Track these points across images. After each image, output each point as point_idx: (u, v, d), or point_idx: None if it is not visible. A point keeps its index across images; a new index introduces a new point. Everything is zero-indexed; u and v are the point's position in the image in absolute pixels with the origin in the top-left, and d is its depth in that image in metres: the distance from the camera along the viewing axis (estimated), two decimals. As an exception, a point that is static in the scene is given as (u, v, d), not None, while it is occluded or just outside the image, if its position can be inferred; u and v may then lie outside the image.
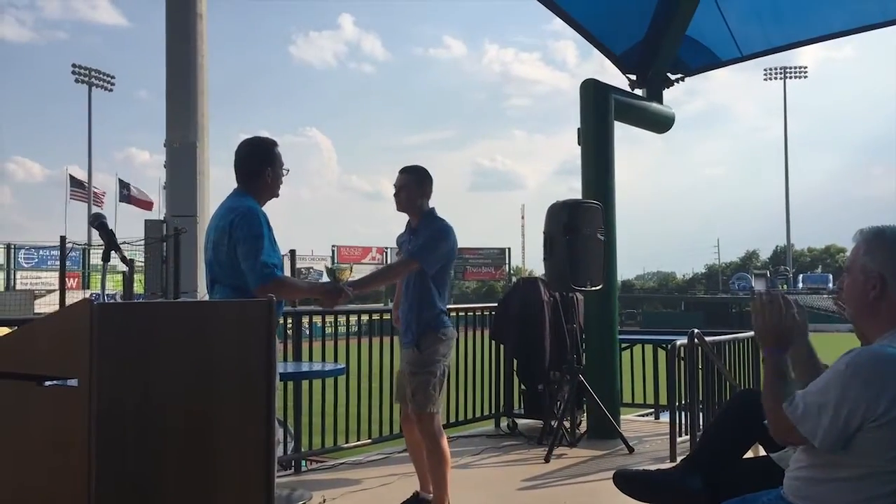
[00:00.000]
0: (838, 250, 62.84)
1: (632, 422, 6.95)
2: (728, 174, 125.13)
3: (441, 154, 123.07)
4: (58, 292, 18.96)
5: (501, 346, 6.61)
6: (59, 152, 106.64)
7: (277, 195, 3.52)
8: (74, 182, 46.19)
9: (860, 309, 2.05)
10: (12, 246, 32.29)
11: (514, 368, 6.57)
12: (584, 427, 6.09)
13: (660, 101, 6.92)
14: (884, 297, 1.99)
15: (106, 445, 1.92)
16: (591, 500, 4.46)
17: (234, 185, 3.47)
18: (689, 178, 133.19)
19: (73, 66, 48.86)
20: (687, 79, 7.10)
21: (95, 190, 44.59)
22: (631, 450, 5.55)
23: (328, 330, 5.77)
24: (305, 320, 5.60)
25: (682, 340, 5.52)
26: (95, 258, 27.40)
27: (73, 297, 18.25)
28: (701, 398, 5.45)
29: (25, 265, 33.10)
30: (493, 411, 6.61)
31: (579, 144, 6.36)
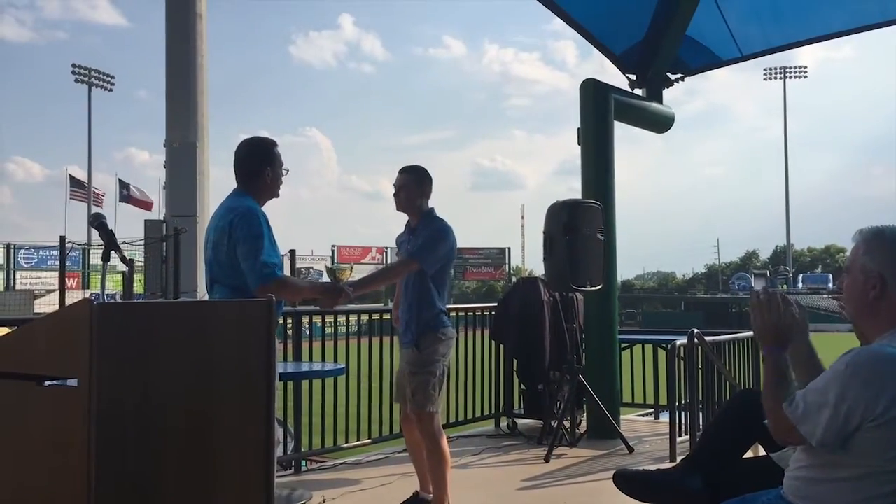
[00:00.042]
0: (838, 250, 62.82)
1: (632, 422, 6.95)
2: (728, 174, 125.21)
3: (441, 154, 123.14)
4: (57, 292, 18.96)
5: (501, 346, 6.62)
6: (58, 152, 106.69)
7: (278, 195, 3.52)
8: (74, 182, 46.21)
9: (860, 309, 2.05)
10: (12, 246, 32.29)
11: (514, 368, 6.58)
12: (583, 427, 6.09)
13: (660, 100, 6.92)
14: (883, 296, 1.99)
15: (106, 445, 1.92)
16: (591, 500, 4.46)
17: (234, 185, 3.47)
18: (689, 177, 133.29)
19: (73, 66, 48.88)
20: (687, 79, 7.10)
21: (95, 190, 44.62)
22: (631, 450, 5.55)
23: (328, 330, 5.77)
24: (305, 320, 5.60)
25: (681, 340, 5.52)
26: (95, 258, 27.41)
27: (72, 297, 18.25)
28: (701, 398, 5.46)
29: (25, 265, 33.10)
30: (492, 411, 6.61)
31: (579, 144, 6.36)
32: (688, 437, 5.40)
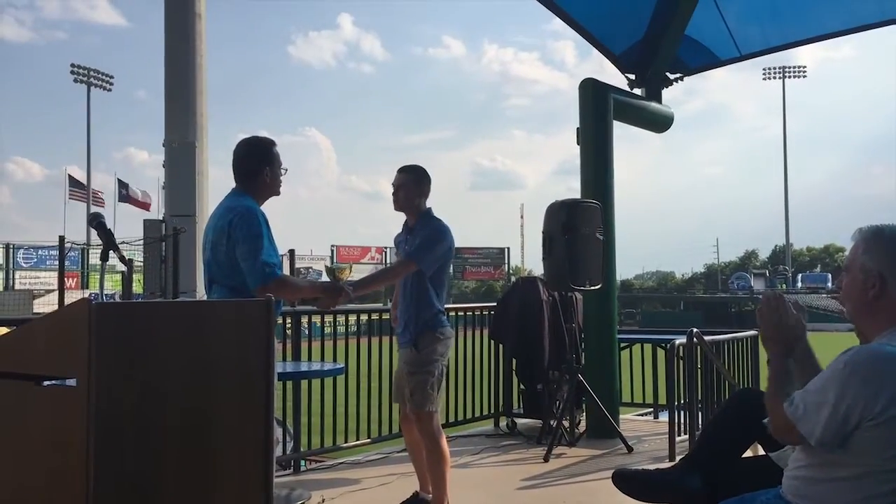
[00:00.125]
0: (837, 249, 62.83)
1: (631, 421, 6.95)
2: (727, 174, 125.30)
3: (440, 154, 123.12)
4: (57, 292, 18.94)
5: (500, 346, 6.62)
6: (58, 152, 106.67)
7: (278, 193, 3.52)
8: (73, 182, 46.23)
9: (859, 308, 2.05)
10: (11, 246, 32.29)
11: (514, 368, 6.58)
12: (583, 426, 6.09)
13: (659, 100, 6.92)
14: (883, 295, 1.99)
15: (105, 445, 1.92)
16: (590, 500, 4.46)
17: (233, 184, 3.47)
18: (688, 177, 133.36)
19: (72, 65, 48.94)
20: (686, 78, 7.10)
21: (95, 190, 44.62)
22: (630, 449, 5.55)
23: (327, 330, 5.77)
24: (304, 320, 5.60)
25: (681, 340, 5.52)
26: (94, 258, 27.45)
27: (71, 296, 18.24)
28: (700, 397, 5.46)
29: (24, 265, 33.10)
30: (492, 411, 6.61)
31: (578, 144, 6.36)
32: (687, 436, 5.40)
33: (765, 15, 6.80)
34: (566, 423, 5.79)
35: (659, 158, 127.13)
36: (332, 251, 44.23)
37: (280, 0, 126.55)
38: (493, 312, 6.73)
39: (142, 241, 12.37)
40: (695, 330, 5.46)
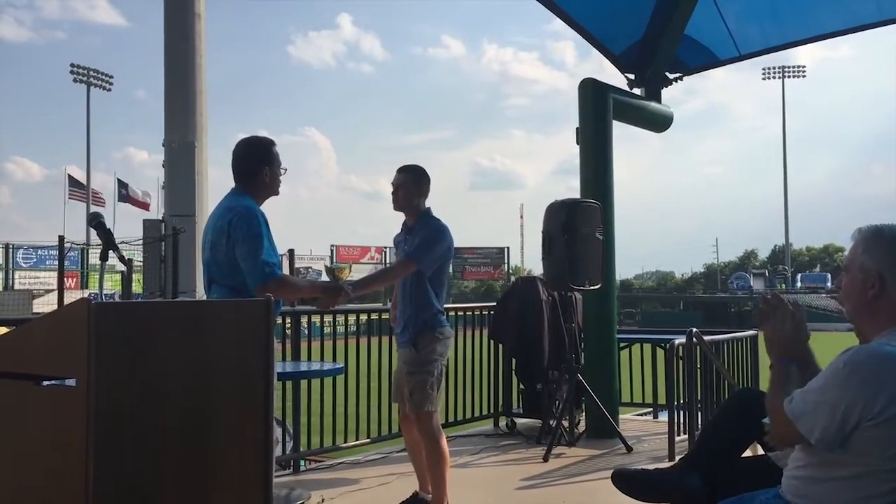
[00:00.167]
0: (837, 249, 62.85)
1: (630, 421, 6.95)
2: (726, 173, 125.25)
3: (440, 154, 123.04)
4: (56, 292, 18.94)
5: (500, 346, 6.62)
6: (57, 152, 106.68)
7: (277, 193, 3.51)
8: (73, 182, 46.23)
9: (858, 307, 2.05)
10: (10, 246, 32.28)
11: (513, 368, 6.58)
12: (582, 426, 6.09)
13: (658, 100, 6.92)
14: (882, 295, 1.99)
15: (104, 445, 1.92)
16: (590, 500, 4.46)
17: (233, 184, 3.47)
18: (688, 177, 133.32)
19: (72, 65, 48.96)
20: (685, 78, 7.10)
21: (95, 190, 44.62)
22: (629, 449, 5.56)
23: (327, 329, 5.77)
24: (304, 320, 5.60)
25: (680, 340, 5.52)
26: (94, 258, 27.44)
27: (71, 296, 18.23)
28: (699, 397, 5.46)
29: (24, 265, 33.11)
30: (491, 411, 6.61)
31: (578, 144, 6.36)
32: (686, 436, 5.41)
33: (764, 15, 6.80)
34: (566, 423, 5.79)
35: (658, 158, 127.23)
36: (332, 251, 44.25)
37: (279, 0, 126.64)
38: (492, 312, 6.73)
39: (141, 241, 12.38)
40: (694, 330, 5.46)
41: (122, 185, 44.52)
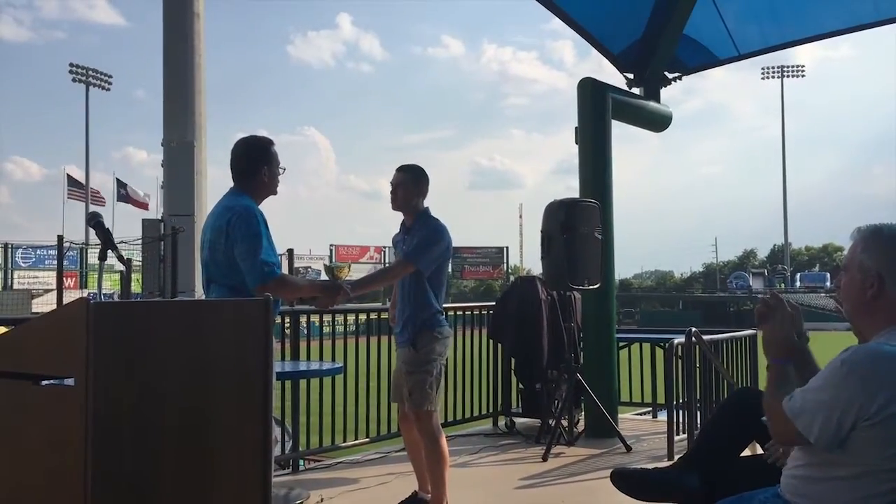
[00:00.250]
0: (836, 249, 62.87)
1: (629, 420, 6.95)
2: (726, 173, 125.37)
3: (439, 153, 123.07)
4: (55, 292, 18.93)
5: (499, 345, 6.61)
6: (56, 152, 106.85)
7: (276, 193, 3.51)
8: (72, 181, 46.22)
9: (857, 307, 2.05)
10: (9, 245, 32.26)
11: (512, 367, 6.57)
12: (581, 426, 6.09)
13: (657, 99, 6.92)
14: (881, 295, 1.99)
15: (103, 444, 1.92)
16: (589, 499, 4.46)
17: (232, 184, 3.47)
18: (687, 176, 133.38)
19: (71, 65, 49.01)
20: (684, 77, 7.10)
21: (94, 190, 44.61)
22: (628, 448, 5.56)
23: (326, 329, 5.77)
24: (303, 319, 5.60)
25: (679, 339, 5.52)
26: (93, 258, 27.38)
27: (70, 296, 18.23)
28: (698, 397, 5.46)
29: (23, 264, 33.08)
30: (490, 410, 6.61)
31: (577, 143, 6.36)
32: (685, 435, 5.41)
33: (763, 14, 6.80)
34: (565, 423, 5.79)
35: (657, 158, 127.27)
36: (331, 251, 44.26)
37: (279, 0, 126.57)
38: (491, 312, 6.72)
39: (140, 241, 12.36)
40: (693, 329, 5.46)
41: (121, 184, 44.54)
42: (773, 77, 59.89)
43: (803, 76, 60.96)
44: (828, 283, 50.04)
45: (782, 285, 52.51)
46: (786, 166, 59.23)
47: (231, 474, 2.22)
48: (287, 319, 5.28)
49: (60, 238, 15.56)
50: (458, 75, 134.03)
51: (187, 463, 2.12)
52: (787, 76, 59.63)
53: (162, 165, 13.03)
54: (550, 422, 5.75)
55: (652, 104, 6.88)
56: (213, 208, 3.44)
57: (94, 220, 2.83)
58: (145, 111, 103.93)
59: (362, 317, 6.08)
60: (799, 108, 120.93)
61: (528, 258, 56.84)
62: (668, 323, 29.98)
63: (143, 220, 13.46)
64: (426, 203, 4.05)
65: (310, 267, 37.84)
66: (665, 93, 6.97)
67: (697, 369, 5.47)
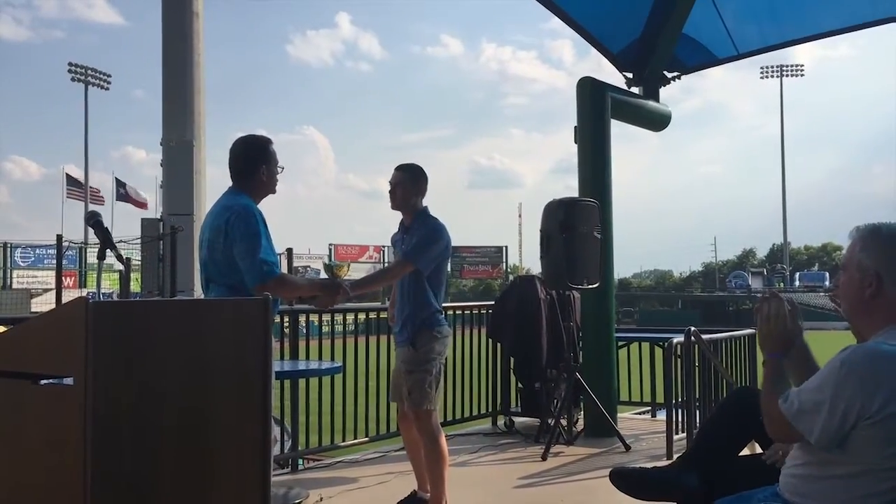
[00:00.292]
0: (835, 248, 62.88)
1: (629, 420, 6.96)
2: (725, 172, 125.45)
3: (439, 152, 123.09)
4: (54, 291, 18.92)
5: (498, 345, 6.61)
6: (55, 151, 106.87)
7: (274, 191, 3.51)
8: (71, 181, 46.19)
9: (856, 306, 2.05)
10: (9, 245, 32.22)
11: (511, 367, 6.58)
12: (580, 425, 6.09)
13: (656, 98, 6.92)
14: (879, 294, 1.99)
15: (102, 444, 1.92)
16: (588, 498, 4.46)
17: (230, 183, 3.46)
18: (686, 176, 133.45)
19: (70, 64, 48.93)
20: (683, 77, 7.09)
21: (93, 188, 44.57)
22: (628, 447, 5.56)
23: (325, 328, 5.77)
24: (302, 319, 5.60)
25: (678, 338, 5.52)
26: (92, 257, 27.36)
27: (69, 295, 18.20)
28: (697, 396, 5.47)
29: (22, 264, 33.03)
30: (490, 409, 6.61)
31: (576, 142, 6.36)
32: (684, 434, 5.41)
33: (762, 13, 6.80)
34: (564, 422, 5.79)
35: (656, 157, 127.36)
36: (330, 250, 44.24)
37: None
38: (490, 311, 6.73)
39: (139, 240, 12.36)
40: (692, 328, 5.47)
41: (120, 184, 44.51)
42: (772, 76, 59.95)
43: (802, 75, 61.05)
44: (827, 283, 50.04)
45: (781, 284, 52.51)
46: (785, 165, 59.33)
47: (230, 473, 2.22)
48: (286, 319, 5.28)
49: (59, 237, 15.57)
50: (458, 74, 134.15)
51: (186, 462, 2.12)
52: (787, 75, 59.69)
53: (161, 165, 13.03)
54: (549, 421, 5.75)
55: (651, 103, 6.88)
56: (212, 207, 3.43)
57: (92, 220, 2.82)
58: (144, 110, 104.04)
59: (361, 316, 6.08)
60: (798, 107, 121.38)
61: (528, 257, 56.89)
62: (667, 322, 29.97)
63: (143, 220, 13.45)
64: (425, 202, 4.05)
65: (309, 266, 37.82)
66: (664, 92, 6.97)
67: (696, 368, 5.47)
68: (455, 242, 4.11)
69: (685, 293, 60.21)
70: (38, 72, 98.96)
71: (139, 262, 12.20)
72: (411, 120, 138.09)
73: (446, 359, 4.03)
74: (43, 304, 24.99)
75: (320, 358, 5.39)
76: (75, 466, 1.91)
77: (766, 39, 7.07)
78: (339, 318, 5.98)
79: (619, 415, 6.47)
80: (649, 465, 3.57)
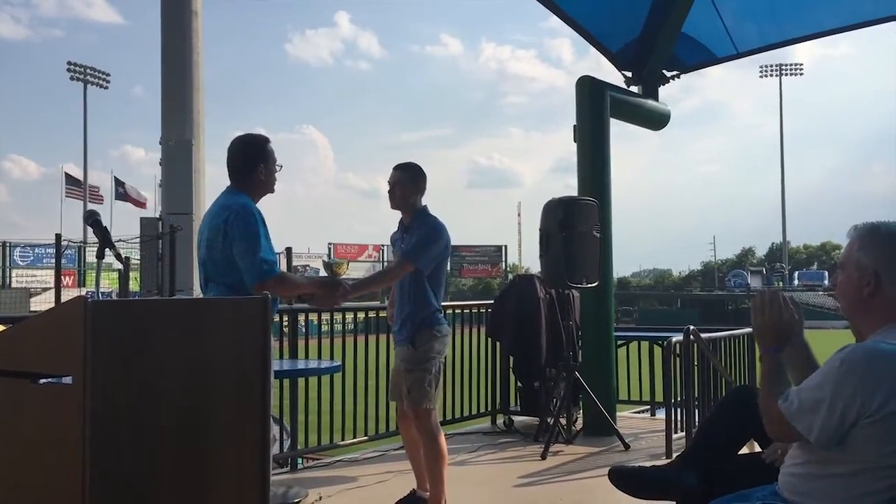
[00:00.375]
0: (834, 247, 62.85)
1: (628, 418, 6.96)
2: (724, 171, 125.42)
3: (438, 152, 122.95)
4: (53, 290, 18.93)
5: (498, 344, 6.62)
6: (54, 150, 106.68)
7: (273, 191, 3.51)
8: (70, 180, 46.15)
9: (854, 305, 2.05)
10: (8, 244, 32.21)
11: (511, 366, 6.58)
12: (580, 424, 6.10)
13: (655, 97, 6.92)
14: (878, 293, 1.99)
15: (101, 443, 1.92)
16: (587, 497, 4.47)
17: (229, 182, 3.46)
18: (685, 175, 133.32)
19: (69, 63, 48.83)
20: (682, 76, 7.10)
21: (92, 187, 44.56)
22: (627, 446, 5.56)
23: (324, 327, 5.77)
24: (302, 318, 5.60)
25: (677, 337, 5.53)
26: (91, 256, 27.34)
27: (68, 294, 18.22)
28: (696, 395, 5.47)
29: (21, 263, 33.01)
30: (489, 408, 6.61)
31: (575, 142, 6.36)
32: (684, 433, 5.41)
33: (762, 12, 6.80)
34: (563, 421, 5.79)
35: (656, 156, 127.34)
36: (330, 249, 44.20)
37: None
38: (490, 310, 6.73)
39: (138, 239, 12.35)
40: (691, 327, 5.47)
41: (119, 183, 44.49)
42: (771, 75, 59.89)
43: (802, 74, 60.97)
44: (826, 281, 50.00)
45: (780, 283, 52.53)
46: (784, 164, 59.26)
47: (229, 473, 2.22)
48: (285, 318, 5.28)
49: (58, 236, 15.56)
50: (457, 73, 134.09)
51: (185, 461, 2.12)
52: (786, 74, 59.61)
53: (160, 164, 13.01)
54: (549, 420, 5.75)
55: (650, 102, 6.88)
56: (211, 207, 3.43)
57: (91, 219, 2.82)
58: (143, 109, 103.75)
59: (360, 315, 6.08)
60: (797, 106, 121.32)
61: (527, 256, 56.84)
62: (666, 321, 29.98)
63: (142, 219, 13.43)
64: (424, 201, 4.05)
65: (308, 265, 37.80)
66: (663, 91, 6.98)
67: (696, 367, 5.48)
68: (454, 242, 4.12)
69: (684, 292, 60.19)
70: (37, 71, 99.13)
71: (138, 261, 12.18)
72: (410, 119, 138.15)
73: (446, 358, 4.03)
74: (42, 303, 24.99)
75: (319, 357, 5.39)
76: (74, 465, 1.90)
77: (766, 38, 7.07)
78: (338, 317, 5.98)
79: (618, 414, 6.47)
80: (648, 463, 3.57)
